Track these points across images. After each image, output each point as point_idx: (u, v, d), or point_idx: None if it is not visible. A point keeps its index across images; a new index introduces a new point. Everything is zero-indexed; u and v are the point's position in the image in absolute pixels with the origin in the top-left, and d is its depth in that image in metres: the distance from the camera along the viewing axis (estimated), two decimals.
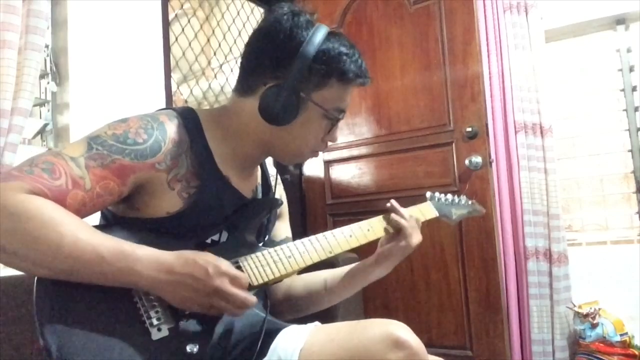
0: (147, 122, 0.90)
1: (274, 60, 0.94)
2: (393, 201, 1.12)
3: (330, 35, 0.96)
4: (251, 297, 0.84)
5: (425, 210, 1.22)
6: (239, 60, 1.03)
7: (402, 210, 1.12)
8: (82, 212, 0.81)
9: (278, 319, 1.02)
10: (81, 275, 0.76)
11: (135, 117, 0.91)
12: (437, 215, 1.24)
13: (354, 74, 0.97)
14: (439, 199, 1.28)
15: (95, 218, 0.94)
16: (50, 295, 0.76)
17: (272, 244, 1.13)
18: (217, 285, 0.81)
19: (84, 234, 0.76)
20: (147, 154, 0.87)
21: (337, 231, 1.06)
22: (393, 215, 1.10)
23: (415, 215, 1.14)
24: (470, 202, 1.35)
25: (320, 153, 1.08)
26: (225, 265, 0.83)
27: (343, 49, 0.96)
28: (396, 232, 1.10)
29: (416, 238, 1.10)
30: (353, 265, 1.16)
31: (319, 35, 0.93)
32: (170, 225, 0.90)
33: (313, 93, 0.95)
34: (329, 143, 1.05)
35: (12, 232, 0.72)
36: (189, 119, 0.95)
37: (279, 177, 1.18)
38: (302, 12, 0.96)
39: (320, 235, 1.04)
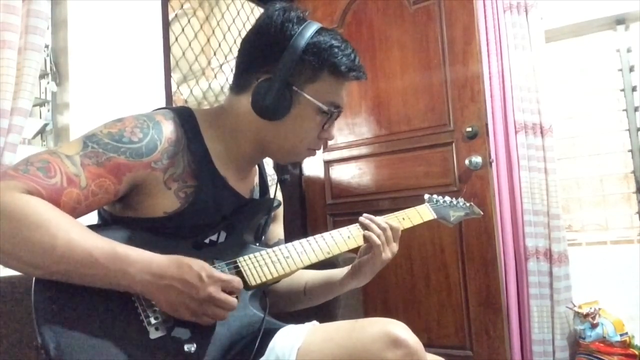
0: (143, 122, 0.90)
1: (265, 55, 0.95)
2: (365, 217, 1.08)
3: (322, 30, 0.97)
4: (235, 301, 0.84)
5: (423, 213, 1.21)
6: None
7: (377, 222, 1.07)
8: (77, 210, 0.81)
9: None
10: (74, 277, 0.76)
11: (131, 117, 0.91)
12: (435, 217, 1.23)
13: (347, 67, 0.96)
14: (437, 201, 1.27)
15: (93, 218, 0.94)
16: (49, 294, 0.76)
17: (265, 246, 1.13)
18: (209, 292, 0.80)
19: (77, 235, 0.75)
20: (142, 152, 0.87)
21: (335, 232, 1.06)
22: (365, 232, 1.06)
23: (394, 224, 1.09)
24: (468, 204, 1.35)
25: (321, 153, 1.08)
26: (218, 272, 0.83)
27: (334, 42, 0.96)
28: (369, 246, 1.07)
29: (390, 252, 1.07)
30: (331, 273, 1.15)
31: (310, 29, 0.94)
32: (168, 225, 0.90)
33: (305, 86, 0.95)
34: (329, 143, 1.05)
35: (5, 232, 0.72)
36: (185, 118, 0.95)
37: (277, 179, 1.18)
38: (293, 9, 0.97)
39: (318, 236, 1.04)
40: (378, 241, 1.05)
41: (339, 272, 1.14)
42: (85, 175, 0.81)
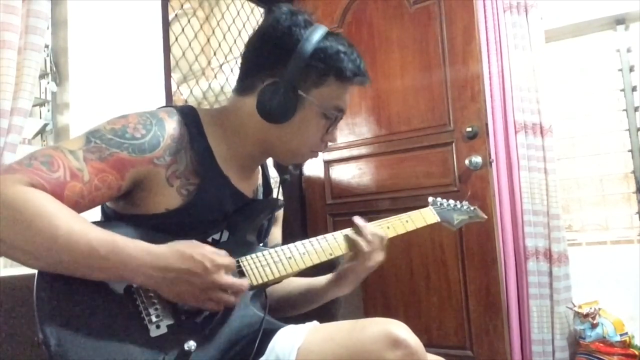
0: (146, 119, 0.90)
1: (272, 58, 0.95)
2: (357, 218, 1.08)
3: (329, 34, 0.97)
4: (245, 282, 0.88)
5: (427, 216, 1.21)
6: (239, 60, 1.03)
7: (367, 228, 1.07)
8: (80, 204, 0.81)
9: None
10: (75, 269, 0.76)
11: (134, 114, 0.91)
12: (439, 220, 1.24)
13: (352, 72, 0.97)
14: (441, 204, 1.28)
15: (96, 215, 0.95)
16: (51, 290, 0.77)
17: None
18: (215, 279, 0.82)
19: (78, 227, 0.76)
20: (145, 148, 0.87)
21: (338, 233, 1.07)
22: (354, 237, 1.06)
23: (381, 233, 1.09)
24: (472, 208, 1.35)
25: (320, 153, 1.08)
26: (219, 257, 0.84)
27: (341, 48, 0.96)
28: (355, 253, 1.07)
29: (375, 260, 1.06)
30: (313, 281, 1.14)
31: (317, 33, 0.94)
32: (171, 222, 0.90)
33: (311, 91, 0.96)
34: (329, 144, 1.05)
35: (8, 223, 0.73)
36: (189, 116, 0.96)
37: (279, 180, 1.18)
38: (300, 12, 0.97)
39: (320, 237, 1.04)
40: (365, 248, 1.05)
41: (322, 280, 1.13)
42: (88, 170, 0.82)
